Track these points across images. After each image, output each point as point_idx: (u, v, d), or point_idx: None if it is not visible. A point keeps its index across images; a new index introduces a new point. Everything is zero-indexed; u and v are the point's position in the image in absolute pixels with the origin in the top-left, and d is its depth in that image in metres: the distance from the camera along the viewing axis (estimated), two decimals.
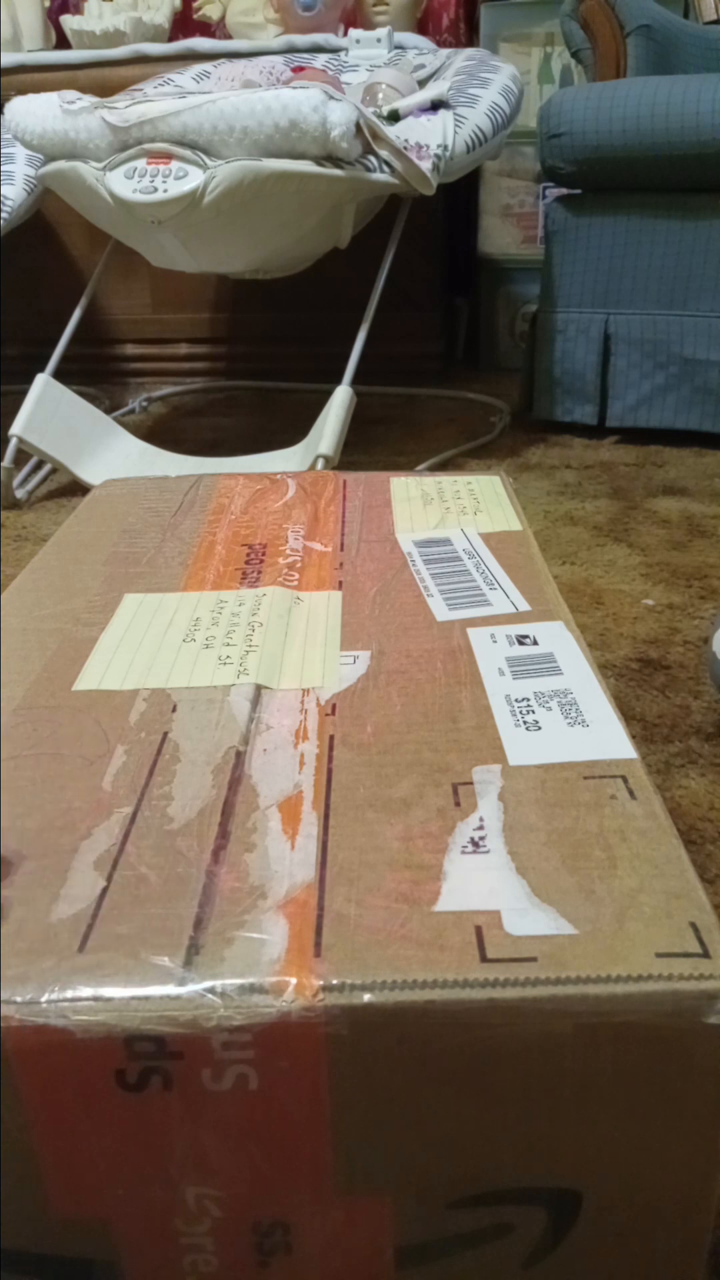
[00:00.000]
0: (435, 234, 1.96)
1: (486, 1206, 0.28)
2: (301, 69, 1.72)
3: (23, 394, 1.40)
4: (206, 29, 2.08)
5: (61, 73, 1.91)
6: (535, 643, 0.42)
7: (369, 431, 1.68)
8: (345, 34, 1.85)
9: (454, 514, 0.58)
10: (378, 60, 1.73)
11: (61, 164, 1.29)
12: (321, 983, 0.25)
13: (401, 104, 1.39)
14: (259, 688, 0.39)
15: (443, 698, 0.38)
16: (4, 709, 0.38)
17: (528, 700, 0.37)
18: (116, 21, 1.96)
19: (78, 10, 2.10)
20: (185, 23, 2.08)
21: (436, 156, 1.31)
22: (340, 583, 0.49)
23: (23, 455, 1.41)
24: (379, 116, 1.35)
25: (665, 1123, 0.26)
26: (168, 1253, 0.28)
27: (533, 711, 0.36)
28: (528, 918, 0.27)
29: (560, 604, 0.46)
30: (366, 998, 0.25)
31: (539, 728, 0.35)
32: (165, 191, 1.19)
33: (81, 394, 1.50)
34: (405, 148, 1.29)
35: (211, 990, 0.25)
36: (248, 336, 2.10)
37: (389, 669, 0.40)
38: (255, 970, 0.25)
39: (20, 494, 1.44)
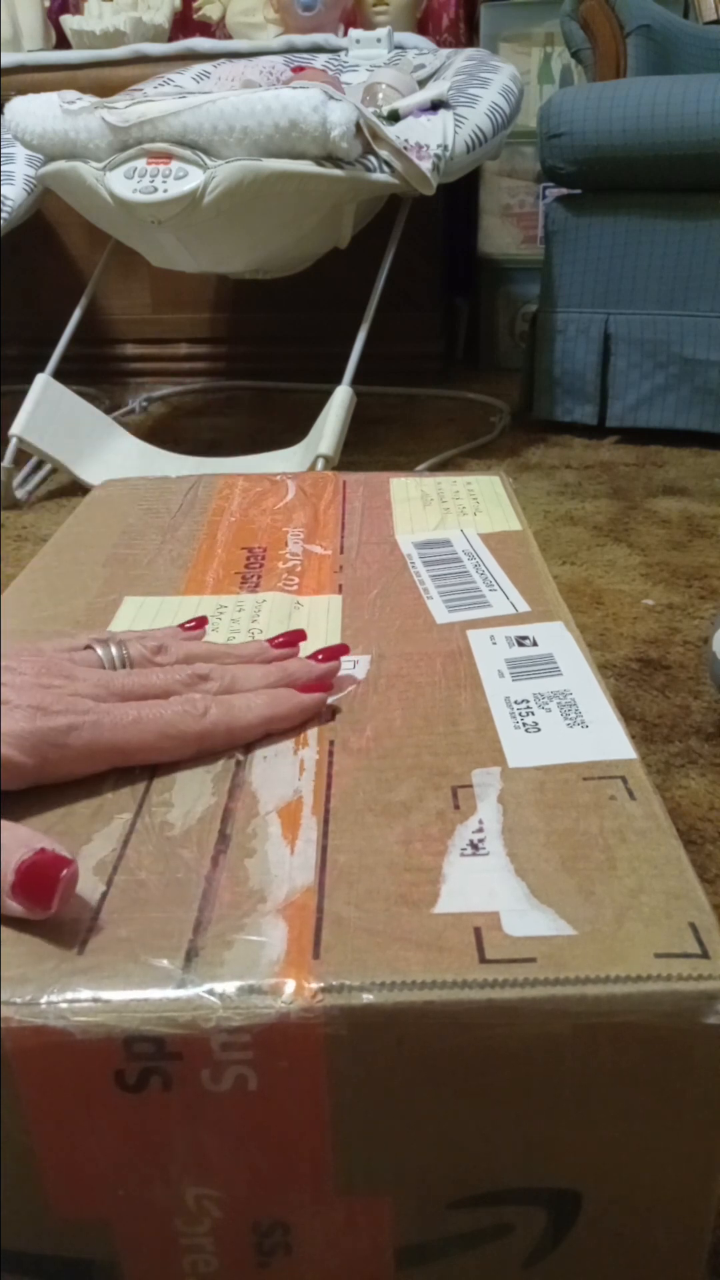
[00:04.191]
0: (435, 234, 1.96)
1: (486, 1207, 0.28)
2: (301, 69, 1.72)
3: (23, 394, 1.40)
4: (206, 29, 2.08)
5: (61, 73, 1.91)
6: (535, 644, 0.42)
7: (369, 431, 1.68)
8: (345, 34, 1.85)
9: (454, 514, 0.58)
10: (378, 60, 1.73)
11: (61, 164, 1.29)
12: (320, 984, 0.25)
13: (401, 104, 1.39)
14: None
15: (442, 701, 0.38)
16: None
17: (527, 702, 0.37)
18: (116, 21, 1.96)
19: (78, 10, 2.10)
20: (185, 23, 2.08)
21: (436, 156, 1.31)
22: (340, 586, 0.49)
23: (23, 455, 1.41)
24: (379, 116, 1.35)
25: (665, 1123, 0.27)
26: (168, 1253, 0.28)
27: (532, 713, 0.37)
28: (527, 919, 0.27)
29: (560, 604, 0.46)
30: (365, 998, 0.25)
31: (538, 729, 0.36)
32: (165, 191, 1.19)
33: (81, 394, 1.50)
34: (405, 148, 1.29)
35: (210, 991, 0.25)
36: (248, 336, 2.10)
37: (389, 672, 0.40)
38: (254, 972, 0.25)
39: (20, 494, 1.44)
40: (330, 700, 0.38)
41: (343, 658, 0.41)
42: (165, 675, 0.36)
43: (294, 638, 0.41)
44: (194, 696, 0.35)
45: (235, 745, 0.35)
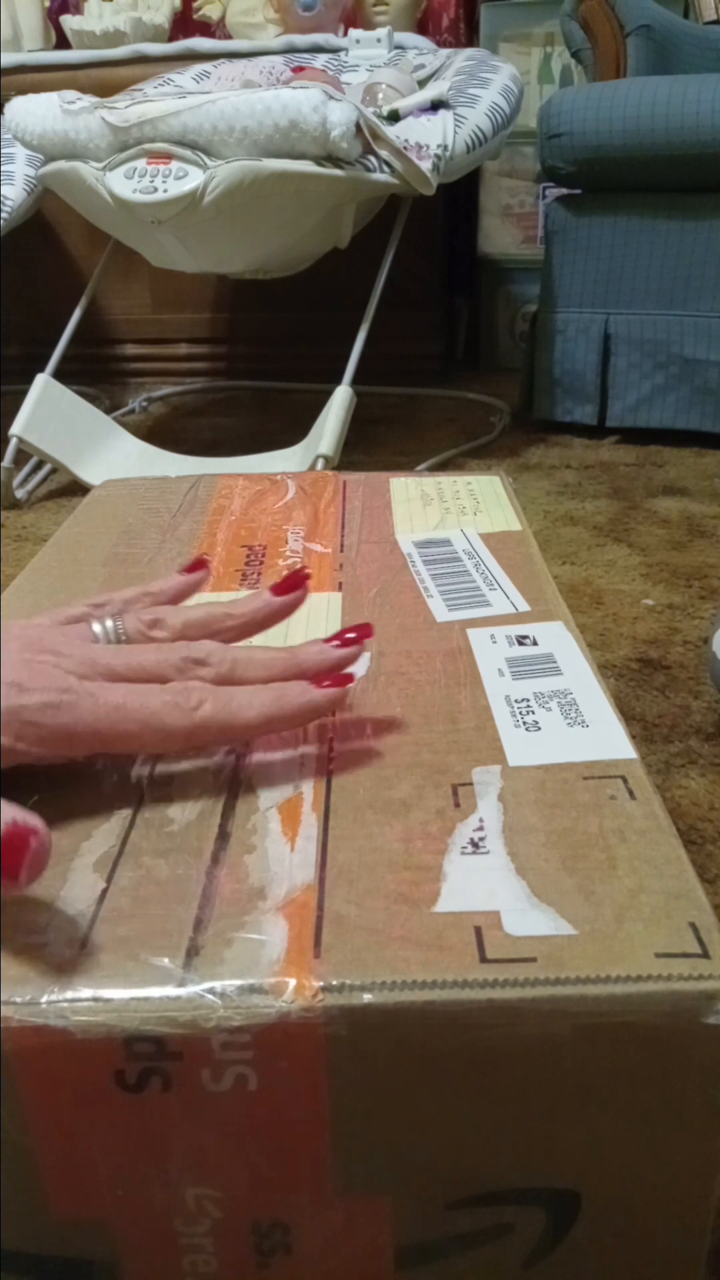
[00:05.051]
0: (435, 234, 1.96)
1: (486, 1207, 0.28)
2: (301, 69, 1.72)
3: (23, 394, 1.40)
4: (206, 29, 2.08)
5: (61, 73, 1.91)
6: (535, 643, 0.42)
7: (369, 431, 1.68)
8: (345, 34, 1.85)
9: (454, 514, 0.58)
10: (378, 60, 1.73)
11: (61, 164, 1.29)
12: (321, 983, 0.25)
13: (401, 104, 1.40)
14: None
15: (442, 699, 0.38)
16: None
17: (527, 701, 0.37)
18: (116, 21, 1.96)
19: (78, 10, 2.10)
20: (185, 23, 2.08)
21: (436, 156, 1.31)
22: (340, 584, 0.49)
23: (23, 455, 1.41)
24: (379, 116, 1.35)
25: (665, 1123, 0.26)
26: (167, 1253, 0.28)
27: (532, 712, 0.37)
28: (527, 918, 0.27)
29: (560, 604, 0.46)
30: (366, 998, 0.25)
31: (538, 728, 0.36)
32: (165, 191, 1.19)
33: (81, 394, 1.50)
34: (405, 148, 1.29)
35: (211, 991, 0.25)
36: (248, 336, 2.10)
37: (389, 670, 0.40)
38: (254, 971, 0.25)
39: (20, 494, 1.44)
40: None
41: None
42: (158, 656, 0.33)
43: (296, 580, 0.37)
44: (190, 686, 0.32)
45: (228, 743, 0.33)
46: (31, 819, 0.25)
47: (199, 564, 0.39)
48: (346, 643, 0.34)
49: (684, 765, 0.75)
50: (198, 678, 0.33)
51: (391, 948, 0.26)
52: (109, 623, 0.35)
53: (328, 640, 0.34)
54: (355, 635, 0.34)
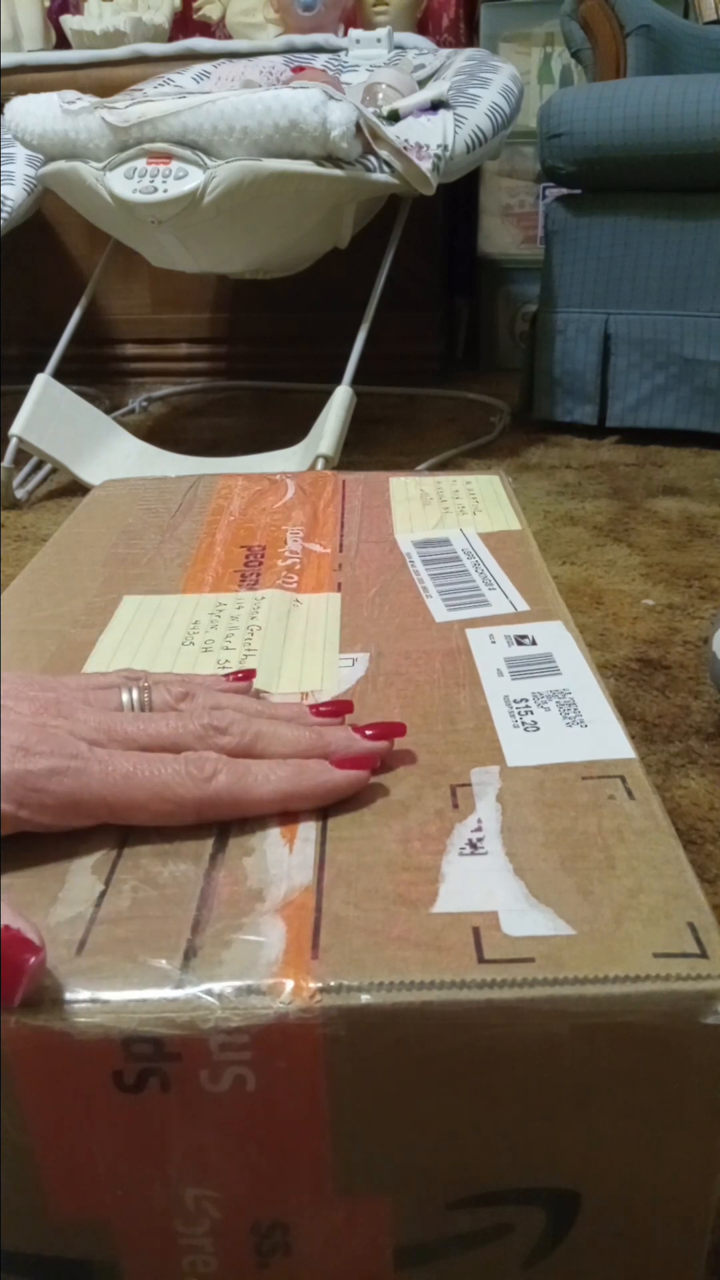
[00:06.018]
0: (435, 234, 1.96)
1: (486, 1207, 0.28)
2: (301, 69, 1.72)
3: (23, 394, 1.40)
4: (206, 29, 2.08)
5: (61, 73, 1.91)
6: (534, 643, 0.42)
7: (369, 431, 1.68)
8: (345, 34, 1.85)
9: (453, 514, 0.58)
10: (378, 60, 1.73)
11: (61, 164, 1.29)
12: (319, 984, 0.25)
13: (401, 104, 1.39)
14: (257, 692, 0.39)
15: (441, 699, 0.38)
16: None
17: (526, 701, 0.37)
18: (116, 21, 1.96)
19: (78, 10, 2.10)
20: (185, 23, 2.08)
21: (436, 156, 1.31)
22: (339, 584, 0.49)
23: (23, 455, 1.41)
24: (379, 116, 1.35)
25: (664, 1123, 0.26)
26: (167, 1254, 0.28)
27: (531, 712, 0.36)
28: (525, 918, 0.27)
29: (559, 604, 0.46)
30: (364, 999, 0.25)
31: (537, 728, 0.35)
32: (165, 191, 1.19)
33: (81, 394, 1.50)
34: (405, 148, 1.29)
35: (209, 992, 0.25)
36: (248, 336, 2.10)
37: (388, 670, 0.40)
38: (252, 972, 0.25)
39: (20, 494, 1.44)
40: (329, 699, 0.38)
41: (342, 658, 0.41)
42: (177, 723, 0.32)
43: (341, 708, 0.35)
44: (205, 756, 0.31)
45: (242, 817, 0.31)
46: (29, 931, 0.24)
47: (247, 675, 0.38)
48: (376, 736, 0.33)
49: (684, 765, 0.75)
50: (217, 746, 0.32)
51: (390, 948, 0.26)
52: (135, 692, 0.34)
53: (358, 728, 0.34)
54: (386, 731, 0.34)
